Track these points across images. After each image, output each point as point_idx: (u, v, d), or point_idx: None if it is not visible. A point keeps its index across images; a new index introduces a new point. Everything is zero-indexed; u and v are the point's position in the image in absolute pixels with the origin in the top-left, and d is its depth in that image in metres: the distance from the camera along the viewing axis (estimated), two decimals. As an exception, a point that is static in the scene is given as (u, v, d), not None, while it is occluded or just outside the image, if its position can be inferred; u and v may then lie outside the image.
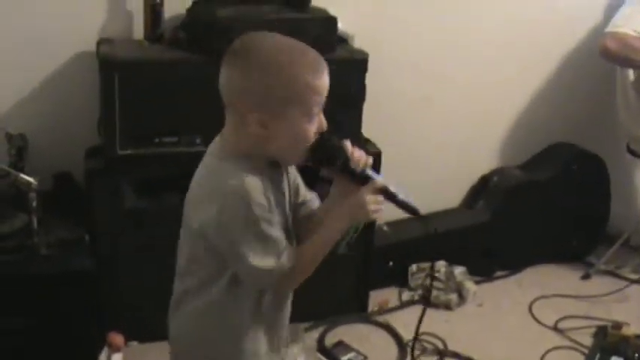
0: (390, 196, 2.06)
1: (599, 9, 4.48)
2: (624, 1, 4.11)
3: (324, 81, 1.95)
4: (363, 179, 2.04)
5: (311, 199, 2.22)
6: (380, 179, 2.05)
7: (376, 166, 3.54)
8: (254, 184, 1.93)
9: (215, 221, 1.96)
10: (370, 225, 3.68)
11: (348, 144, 2.04)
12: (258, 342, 2.17)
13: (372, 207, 2.02)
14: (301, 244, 2.10)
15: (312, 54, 1.95)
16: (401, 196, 2.08)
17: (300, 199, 2.20)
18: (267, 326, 2.18)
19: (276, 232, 2.00)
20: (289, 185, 2.14)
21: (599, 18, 4.46)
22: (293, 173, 2.17)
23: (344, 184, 2.09)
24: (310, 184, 2.24)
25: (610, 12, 4.31)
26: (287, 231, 2.08)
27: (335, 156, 2.02)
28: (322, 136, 1.99)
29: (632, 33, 3.97)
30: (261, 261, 1.97)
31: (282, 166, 2.10)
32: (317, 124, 1.97)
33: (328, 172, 2.09)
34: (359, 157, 2.04)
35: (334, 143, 2.02)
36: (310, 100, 1.93)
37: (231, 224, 1.95)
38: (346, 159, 2.02)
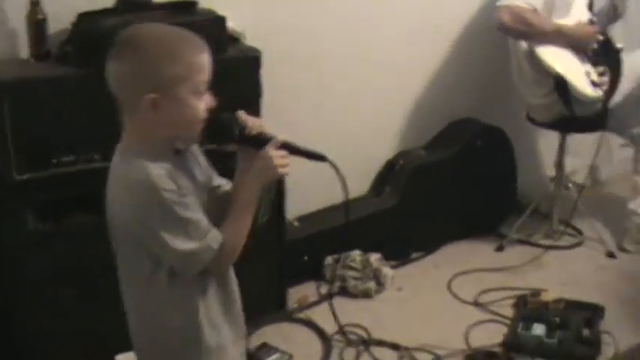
0: (293, 149, 2.11)
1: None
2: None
3: (206, 59, 2.00)
4: (263, 141, 2.08)
5: (225, 182, 2.25)
6: (279, 136, 2.10)
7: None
8: (158, 172, 1.96)
9: (134, 219, 1.99)
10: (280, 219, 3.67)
11: (240, 113, 2.10)
12: (221, 334, 2.20)
13: (278, 162, 2.07)
14: (222, 223, 2.10)
15: (192, 35, 2.01)
16: (302, 146, 2.14)
17: (215, 183, 2.22)
18: (224, 316, 2.20)
19: (194, 214, 2.02)
20: (200, 170, 2.17)
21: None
22: (202, 159, 2.20)
23: (247, 153, 2.13)
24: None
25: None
26: (207, 213, 2.08)
27: (231, 127, 2.07)
28: (213, 113, 2.03)
29: (524, 5, 4.02)
30: (184, 244, 1.99)
31: (186, 151, 2.12)
32: (205, 101, 2.01)
33: (230, 146, 2.13)
34: (253, 122, 2.10)
35: (226, 116, 2.07)
36: (196, 77, 1.98)
37: (148, 217, 1.98)
38: (242, 127, 2.08)
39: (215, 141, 2.09)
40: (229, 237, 2.07)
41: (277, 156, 2.07)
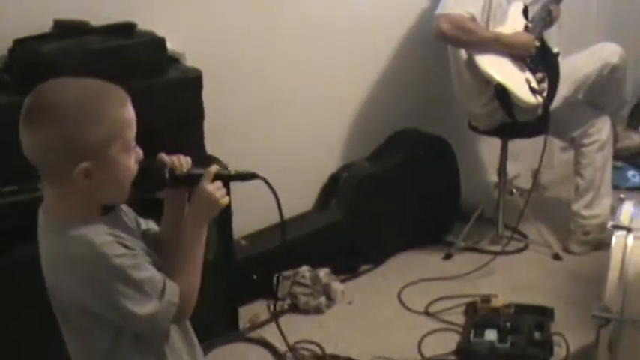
0: (225, 177, 2.10)
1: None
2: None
3: (131, 111, 1.92)
4: (195, 178, 2.04)
5: (150, 223, 2.18)
6: (208, 169, 2.05)
7: (225, 184, 3.54)
8: (102, 240, 1.86)
9: (87, 296, 1.89)
10: (226, 238, 3.66)
11: (163, 156, 2.03)
12: None
13: (217, 194, 2.03)
14: (175, 269, 2.02)
15: (112, 87, 1.91)
16: (232, 171, 2.14)
17: (143, 227, 2.14)
18: (187, 354, 2.16)
19: (147, 272, 1.92)
20: (128, 218, 2.09)
21: (425, 2, 4.55)
22: (124, 206, 2.09)
23: (181, 194, 2.09)
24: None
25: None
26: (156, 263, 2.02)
27: (161, 173, 2.00)
28: (139, 165, 1.96)
29: (464, 14, 4.06)
30: (144, 307, 1.90)
31: (115, 207, 2.03)
32: (135, 155, 1.94)
33: (163, 193, 2.09)
34: (179, 161, 2.04)
35: (152, 163, 2.00)
36: (125, 134, 1.89)
37: (103, 288, 1.88)
38: (171, 170, 2.02)
39: (146, 190, 2.01)
40: (186, 283, 2.00)
41: (214, 189, 2.03)
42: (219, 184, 2.04)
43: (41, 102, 1.88)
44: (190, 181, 2.04)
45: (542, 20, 4.34)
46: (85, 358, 2.06)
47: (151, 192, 2.04)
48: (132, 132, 1.91)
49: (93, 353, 2.02)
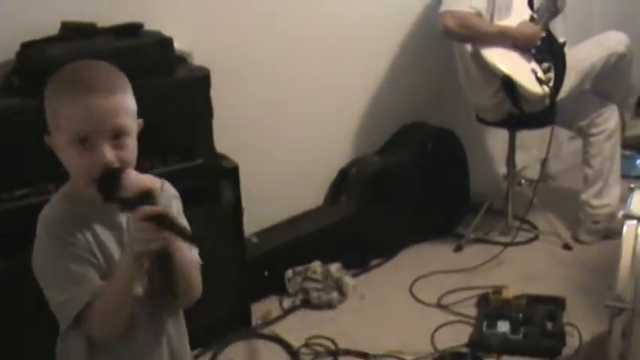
0: (163, 222, 1.81)
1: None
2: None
3: (81, 107, 1.84)
4: (127, 204, 1.85)
5: None
6: (154, 208, 1.83)
7: (233, 180, 3.54)
8: (52, 213, 1.93)
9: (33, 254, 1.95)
10: (238, 235, 3.67)
11: (129, 171, 1.89)
12: None
13: (141, 235, 1.82)
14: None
15: (77, 77, 1.90)
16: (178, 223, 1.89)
17: None
18: None
19: (76, 267, 1.89)
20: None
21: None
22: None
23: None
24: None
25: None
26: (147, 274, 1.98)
27: (108, 186, 1.86)
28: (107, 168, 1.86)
29: (469, 9, 4.05)
30: (53, 294, 1.92)
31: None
32: (97, 154, 1.85)
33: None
34: (130, 184, 1.86)
35: (110, 172, 1.86)
36: (71, 126, 1.85)
37: (36, 254, 1.93)
38: (117, 188, 1.85)
39: (102, 195, 1.87)
40: (102, 300, 1.88)
41: (140, 228, 1.81)
42: (149, 226, 1.81)
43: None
44: (128, 207, 1.86)
45: (547, 11, 4.33)
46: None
47: (105, 199, 1.88)
48: (83, 127, 1.84)
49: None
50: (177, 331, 2.15)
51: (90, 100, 1.84)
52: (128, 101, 1.93)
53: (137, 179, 1.88)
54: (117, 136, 1.87)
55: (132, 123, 1.92)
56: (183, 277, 1.98)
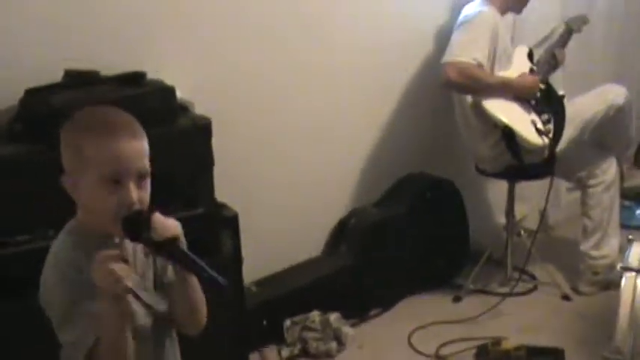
0: (193, 267, 1.92)
1: (429, 39, 4.63)
2: (458, 28, 4.26)
3: (120, 147, 1.93)
4: (158, 248, 1.95)
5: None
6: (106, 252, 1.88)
7: (233, 229, 3.55)
8: (60, 249, 1.97)
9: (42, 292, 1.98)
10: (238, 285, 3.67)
11: (156, 215, 1.96)
12: None
13: (107, 277, 1.83)
14: None
15: (119, 121, 1.99)
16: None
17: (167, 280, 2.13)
18: None
19: (75, 306, 1.92)
20: (144, 265, 2.10)
21: (430, 48, 4.61)
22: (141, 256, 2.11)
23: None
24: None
25: (439, 42, 4.46)
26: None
27: (143, 228, 1.93)
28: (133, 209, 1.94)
29: (471, 61, 4.09)
30: (61, 332, 1.95)
31: (121, 244, 2.02)
32: (125, 194, 1.92)
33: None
34: (160, 227, 1.94)
35: (137, 216, 1.94)
36: (104, 167, 1.92)
37: (45, 292, 1.97)
38: (147, 229, 1.92)
39: (128, 236, 1.95)
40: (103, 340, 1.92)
41: (105, 272, 1.83)
42: (114, 267, 1.84)
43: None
44: (151, 247, 1.97)
45: (546, 64, 4.38)
46: None
47: (133, 239, 1.97)
48: (114, 167, 1.92)
49: None
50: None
51: (120, 142, 1.93)
52: (147, 145, 2.02)
53: (165, 222, 1.96)
54: (141, 177, 1.97)
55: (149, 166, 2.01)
56: (193, 300, 2.08)
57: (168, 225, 1.96)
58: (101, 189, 1.93)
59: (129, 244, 2.05)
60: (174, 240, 1.94)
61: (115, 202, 1.92)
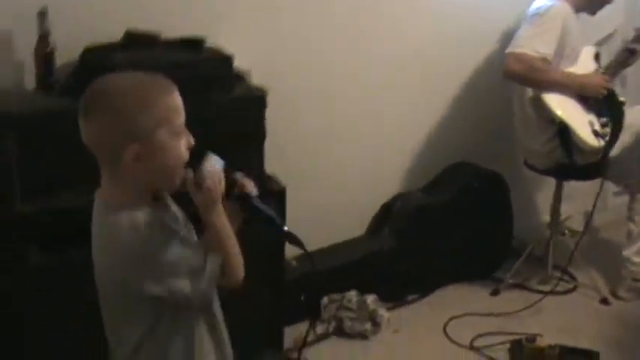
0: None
1: (496, 30, 4.62)
2: (526, 21, 4.22)
3: (178, 99, 2.01)
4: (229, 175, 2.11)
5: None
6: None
7: (280, 202, 3.56)
8: (146, 219, 1.97)
9: (132, 273, 1.97)
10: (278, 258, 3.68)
11: (237, 174, 2.15)
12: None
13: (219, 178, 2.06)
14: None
15: (159, 78, 2.02)
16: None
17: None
18: (212, 341, 2.21)
19: (186, 250, 2.02)
20: (179, 211, 2.19)
21: (494, 39, 4.59)
22: (178, 212, 2.20)
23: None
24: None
25: (506, 33, 4.45)
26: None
27: (232, 185, 2.11)
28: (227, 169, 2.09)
29: (533, 54, 4.06)
30: (180, 282, 1.99)
31: (165, 199, 2.14)
32: (185, 141, 2.02)
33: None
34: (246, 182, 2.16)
35: (230, 175, 2.12)
36: (172, 119, 1.98)
37: (145, 266, 1.97)
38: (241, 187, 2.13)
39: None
40: (225, 257, 2.08)
41: (215, 176, 2.06)
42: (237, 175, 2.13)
43: (94, 91, 2.00)
44: (246, 206, 2.15)
45: (620, 65, 4.33)
46: (118, 341, 2.14)
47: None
48: (179, 117, 2.00)
49: (128, 336, 2.10)
50: None
51: (177, 94, 2.01)
52: None
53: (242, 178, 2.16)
54: None
55: None
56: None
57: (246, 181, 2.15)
58: (174, 141, 1.99)
59: (173, 206, 2.16)
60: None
61: (185, 150, 2.02)
